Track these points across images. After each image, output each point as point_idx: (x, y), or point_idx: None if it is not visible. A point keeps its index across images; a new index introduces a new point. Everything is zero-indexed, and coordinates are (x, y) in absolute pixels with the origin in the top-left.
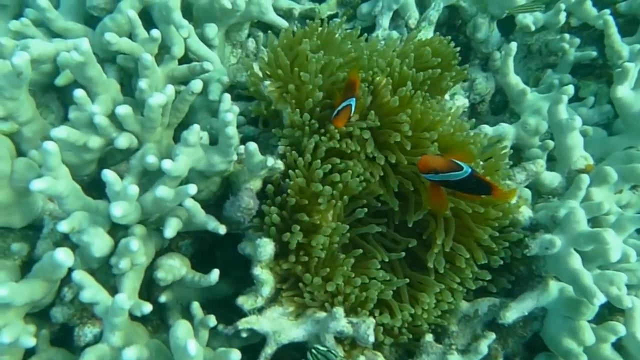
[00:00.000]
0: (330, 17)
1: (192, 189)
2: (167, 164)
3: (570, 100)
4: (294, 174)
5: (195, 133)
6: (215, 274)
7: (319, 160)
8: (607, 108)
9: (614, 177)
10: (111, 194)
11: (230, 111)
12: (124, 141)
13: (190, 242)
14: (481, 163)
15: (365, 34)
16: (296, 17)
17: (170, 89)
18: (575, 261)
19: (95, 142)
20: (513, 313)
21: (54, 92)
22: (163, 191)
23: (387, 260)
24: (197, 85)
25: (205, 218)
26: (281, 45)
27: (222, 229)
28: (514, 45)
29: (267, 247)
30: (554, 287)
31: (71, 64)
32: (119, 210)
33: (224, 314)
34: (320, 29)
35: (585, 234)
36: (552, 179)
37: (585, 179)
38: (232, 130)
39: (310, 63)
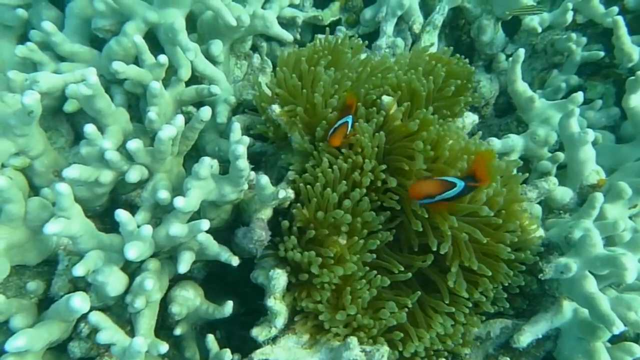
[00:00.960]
0: (334, 23)
1: (205, 224)
2: (179, 202)
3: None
4: (306, 208)
5: (207, 166)
6: (229, 306)
7: (334, 195)
8: (614, 111)
9: (629, 192)
10: (125, 233)
11: (240, 143)
12: (135, 175)
13: (202, 265)
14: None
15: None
16: (299, 25)
17: (180, 119)
18: (591, 285)
19: (106, 176)
20: (527, 337)
21: (63, 115)
22: (176, 229)
23: (400, 271)
24: (206, 113)
25: (218, 249)
26: (289, 64)
27: (234, 261)
28: (521, 52)
29: (280, 279)
30: (567, 308)
31: (79, 96)
32: (134, 253)
33: (234, 331)
34: (327, 43)
35: (602, 258)
36: (564, 194)
37: (600, 197)
38: (243, 164)
39: (323, 84)
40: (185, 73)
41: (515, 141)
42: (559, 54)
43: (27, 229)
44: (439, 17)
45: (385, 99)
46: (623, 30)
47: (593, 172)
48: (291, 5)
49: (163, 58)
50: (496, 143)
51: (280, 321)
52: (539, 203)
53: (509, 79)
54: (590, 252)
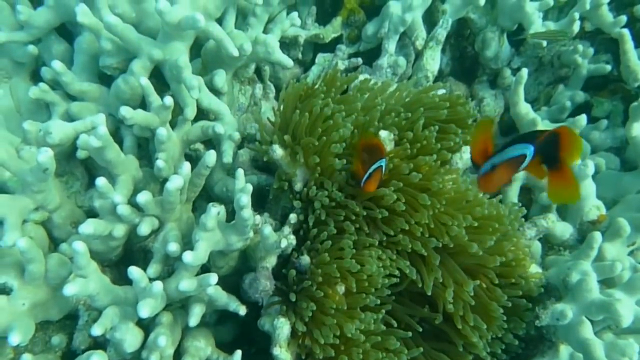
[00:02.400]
0: (336, 40)
1: (214, 278)
2: (188, 257)
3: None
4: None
5: (213, 218)
6: (237, 356)
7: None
8: (620, 132)
9: (627, 230)
10: (138, 290)
11: (244, 192)
12: (146, 228)
13: (212, 311)
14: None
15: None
16: (302, 44)
17: (187, 168)
18: (587, 330)
19: (120, 230)
20: None
21: (77, 159)
22: (186, 285)
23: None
24: (211, 158)
25: (226, 300)
26: (292, 103)
27: (242, 310)
28: (524, 73)
29: (284, 329)
30: (564, 352)
31: (90, 148)
32: (146, 312)
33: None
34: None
35: (597, 304)
36: (563, 230)
37: (598, 238)
38: (247, 213)
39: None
40: (190, 113)
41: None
42: (565, 67)
43: (48, 286)
44: (442, 32)
45: (383, 134)
46: (629, 45)
47: (593, 208)
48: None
49: (169, 100)
50: None
51: None
52: (539, 239)
53: (511, 101)
54: (586, 298)
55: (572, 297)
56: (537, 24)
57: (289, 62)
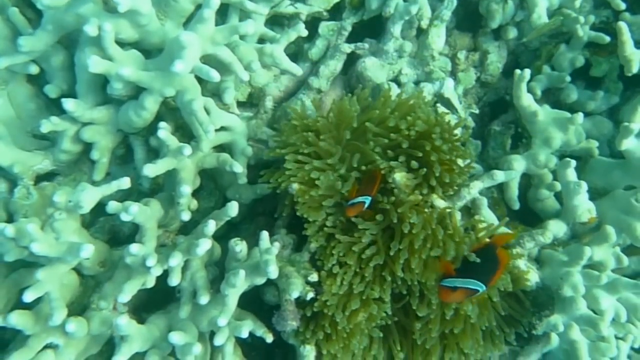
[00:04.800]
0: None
1: (245, 332)
2: (222, 322)
3: (581, 75)
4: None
5: (241, 278)
6: None
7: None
8: (615, 100)
9: (614, 238)
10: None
11: (268, 254)
12: (176, 279)
13: None
14: None
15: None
16: (303, 20)
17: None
18: (575, 332)
19: (152, 282)
20: None
21: (85, 156)
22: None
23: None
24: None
25: (253, 326)
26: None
27: (269, 338)
28: (527, 73)
29: (310, 356)
30: (555, 338)
31: (120, 211)
32: None
33: None
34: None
35: (585, 318)
36: (558, 229)
37: (587, 252)
38: (272, 269)
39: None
40: (205, 147)
41: (517, 168)
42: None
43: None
44: (447, 12)
45: (398, 177)
46: (627, 36)
47: (585, 211)
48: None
49: (187, 150)
50: (499, 175)
51: None
52: None
53: (514, 94)
54: (575, 313)
55: (563, 309)
56: None
57: (298, 70)
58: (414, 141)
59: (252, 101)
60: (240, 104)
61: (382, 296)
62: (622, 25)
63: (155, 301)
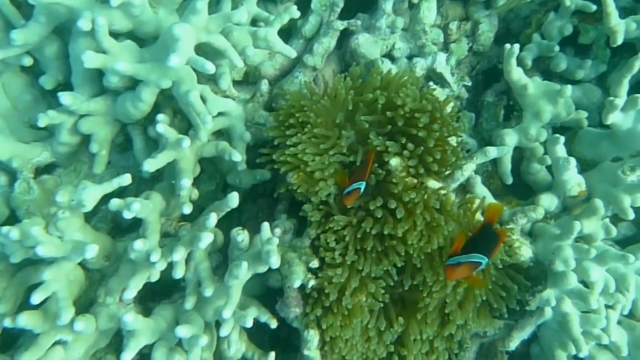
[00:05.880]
0: None
1: (249, 322)
2: (226, 313)
3: (570, 42)
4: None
5: (244, 270)
6: (272, 357)
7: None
8: (603, 68)
9: (602, 211)
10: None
11: (270, 244)
12: (180, 272)
13: None
14: None
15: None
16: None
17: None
18: (567, 305)
19: (157, 275)
20: (515, 342)
21: (84, 146)
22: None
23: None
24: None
25: (257, 313)
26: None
27: (273, 324)
28: (516, 48)
29: (314, 340)
30: (549, 311)
31: (122, 208)
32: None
33: None
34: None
35: (576, 291)
36: (550, 203)
37: (577, 226)
38: (274, 260)
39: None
40: (203, 136)
41: (509, 142)
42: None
43: (98, 332)
44: None
45: (394, 161)
46: (611, 7)
47: (575, 185)
48: None
49: (186, 142)
50: (492, 151)
51: None
52: None
53: (505, 69)
54: (566, 286)
55: (555, 283)
56: None
57: (292, 53)
58: (407, 119)
59: (247, 79)
60: (236, 83)
61: (381, 271)
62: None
63: (161, 289)
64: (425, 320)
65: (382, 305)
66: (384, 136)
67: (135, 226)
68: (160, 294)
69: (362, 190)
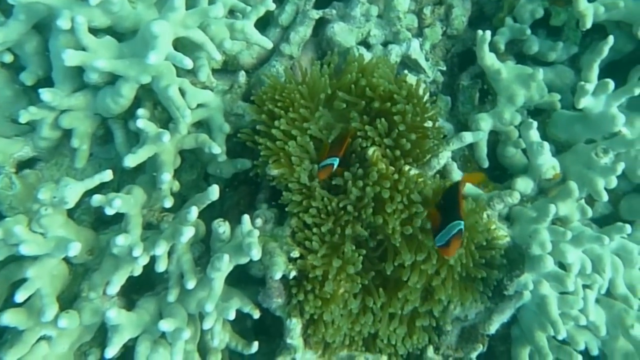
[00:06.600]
0: None
1: (232, 314)
2: (208, 307)
3: (542, 24)
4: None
5: (225, 262)
6: (255, 346)
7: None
8: (574, 49)
9: (577, 193)
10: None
11: (251, 237)
12: (162, 266)
13: None
14: None
15: None
16: None
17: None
18: (545, 288)
19: (139, 270)
20: (495, 325)
21: (65, 139)
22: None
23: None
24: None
25: (240, 304)
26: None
27: (256, 314)
28: (488, 35)
29: (297, 329)
30: (527, 294)
31: (104, 203)
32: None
33: None
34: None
35: (553, 274)
36: (526, 186)
37: (552, 209)
38: (255, 252)
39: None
40: (183, 129)
41: (484, 127)
42: None
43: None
44: None
45: (370, 150)
46: None
47: (550, 168)
48: None
49: (166, 137)
50: (467, 136)
51: (300, 354)
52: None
53: (478, 55)
54: (543, 269)
55: (532, 267)
56: None
57: (269, 44)
58: (384, 101)
59: (227, 68)
60: (215, 71)
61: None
62: None
63: (144, 281)
64: (406, 298)
65: (361, 286)
66: (362, 116)
67: (119, 217)
68: (143, 286)
69: (335, 166)
